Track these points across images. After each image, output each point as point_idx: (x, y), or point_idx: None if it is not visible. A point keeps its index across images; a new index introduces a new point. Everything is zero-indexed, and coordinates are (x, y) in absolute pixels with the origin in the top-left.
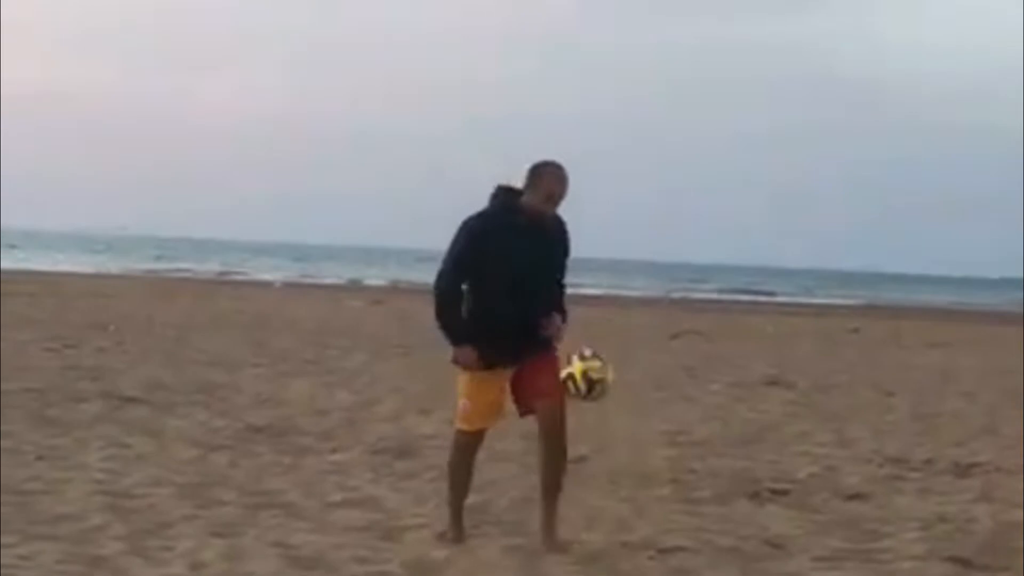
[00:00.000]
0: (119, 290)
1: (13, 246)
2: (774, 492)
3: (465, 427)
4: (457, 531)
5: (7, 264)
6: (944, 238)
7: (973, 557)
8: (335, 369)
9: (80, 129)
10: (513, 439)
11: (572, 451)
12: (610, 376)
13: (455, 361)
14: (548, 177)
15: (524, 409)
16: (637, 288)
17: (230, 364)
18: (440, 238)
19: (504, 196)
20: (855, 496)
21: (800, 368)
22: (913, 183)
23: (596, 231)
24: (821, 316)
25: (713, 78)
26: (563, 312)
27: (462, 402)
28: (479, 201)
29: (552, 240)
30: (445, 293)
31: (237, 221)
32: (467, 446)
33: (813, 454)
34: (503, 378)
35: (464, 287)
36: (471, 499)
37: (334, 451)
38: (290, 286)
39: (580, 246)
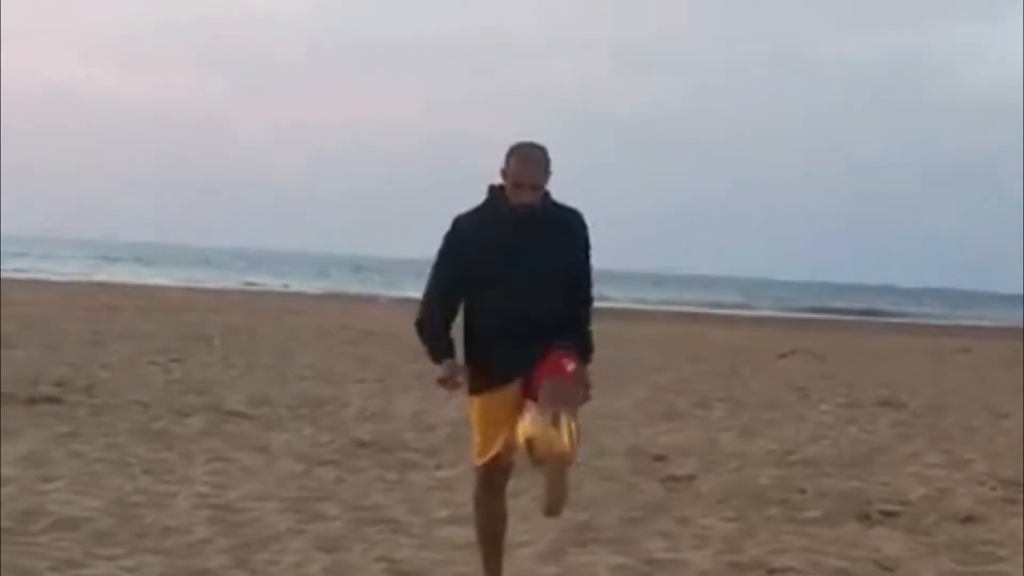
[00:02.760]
0: (219, 304)
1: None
2: (885, 514)
3: (477, 460)
4: None
5: (107, 278)
6: None
7: None
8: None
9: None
10: (617, 456)
11: (680, 469)
12: (540, 431)
13: (438, 382)
14: (512, 162)
15: None
16: (742, 307)
17: (335, 379)
18: None
19: (491, 192)
20: (968, 519)
21: (911, 388)
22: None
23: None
24: (932, 336)
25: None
26: (584, 334)
27: (473, 433)
28: None
29: (553, 236)
30: (421, 305)
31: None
32: (482, 481)
33: (924, 476)
34: (510, 395)
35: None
36: (575, 516)
37: (439, 467)
38: (395, 302)
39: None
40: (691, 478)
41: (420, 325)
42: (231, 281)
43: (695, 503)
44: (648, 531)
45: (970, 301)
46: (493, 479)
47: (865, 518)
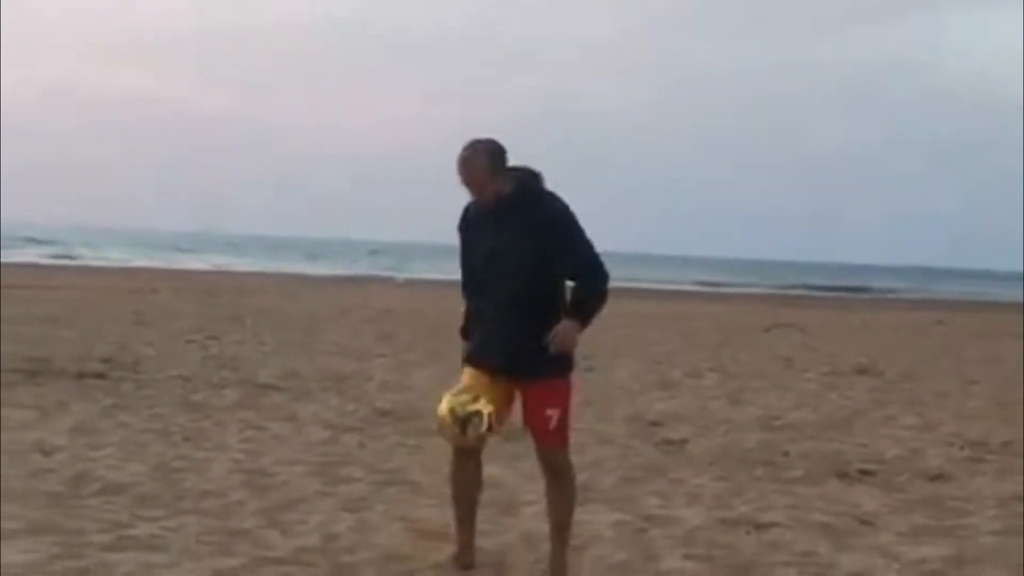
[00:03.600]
0: (250, 287)
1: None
2: (862, 472)
3: None
4: (459, 549)
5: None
6: None
7: None
8: (453, 359)
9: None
10: (616, 423)
11: (674, 433)
12: (483, 405)
13: None
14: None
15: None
16: (734, 284)
17: (358, 354)
18: None
19: None
20: (938, 477)
21: (887, 358)
22: None
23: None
24: (907, 310)
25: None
26: (578, 302)
27: None
28: None
29: (517, 225)
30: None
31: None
32: (455, 451)
33: (898, 437)
34: (501, 386)
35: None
36: (577, 476)
37: None
38: (412, 282)
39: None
40: (684, 442)
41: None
42: (259, 265)
43: (688, 465)
44: (645, 490)
45: (946, 277)
46: (466, 450)
47: (844, 476)
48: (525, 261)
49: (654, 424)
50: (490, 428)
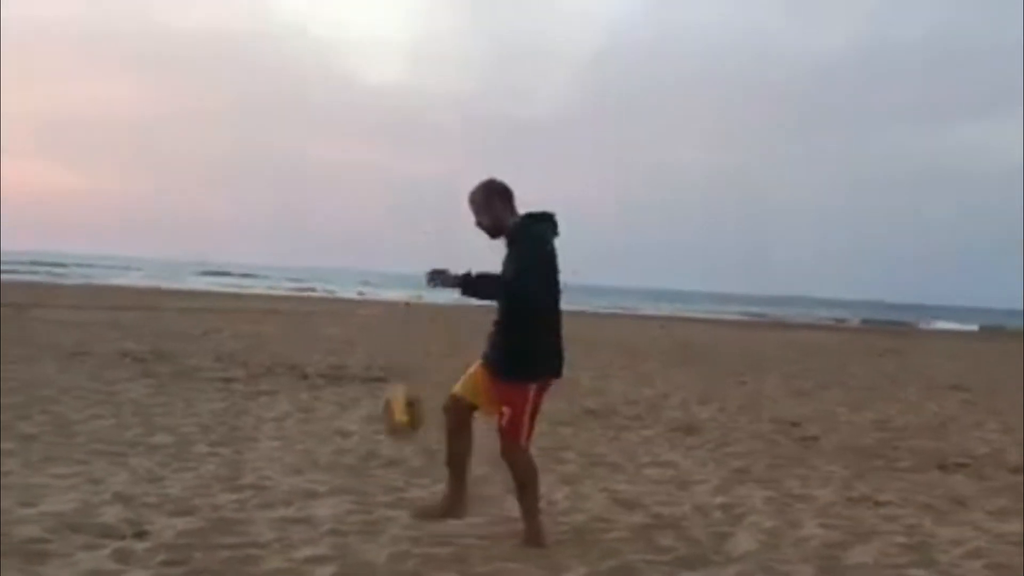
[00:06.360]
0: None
1: None
2: (958, 465)
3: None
4: (451, 504)
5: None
6: None
7: None
8: (641, 373)
9: None
10: (764, 423)
11: (809, 432)
12: (390, 394)
13: None
14: None
15: None
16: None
17: (571, 366)
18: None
19: None
20: (1017, 469)
21: (974, 376)
22: None
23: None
24: (984, 340)
25: None
26: (476, 275)
27: None
28: None
29: (509, 254)
30: None
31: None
32: (448, 416)
33: (985, 439)
34: (476, 367)
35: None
36: (736, 463)
37: (643, 428)
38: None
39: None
40: (816, 438)
41: None
42: None
43: (820, 456)
44: (788, 474)
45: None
46: (452, 415)
47: (943, 467)
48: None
49: (793, 424)
50: (389, 410)
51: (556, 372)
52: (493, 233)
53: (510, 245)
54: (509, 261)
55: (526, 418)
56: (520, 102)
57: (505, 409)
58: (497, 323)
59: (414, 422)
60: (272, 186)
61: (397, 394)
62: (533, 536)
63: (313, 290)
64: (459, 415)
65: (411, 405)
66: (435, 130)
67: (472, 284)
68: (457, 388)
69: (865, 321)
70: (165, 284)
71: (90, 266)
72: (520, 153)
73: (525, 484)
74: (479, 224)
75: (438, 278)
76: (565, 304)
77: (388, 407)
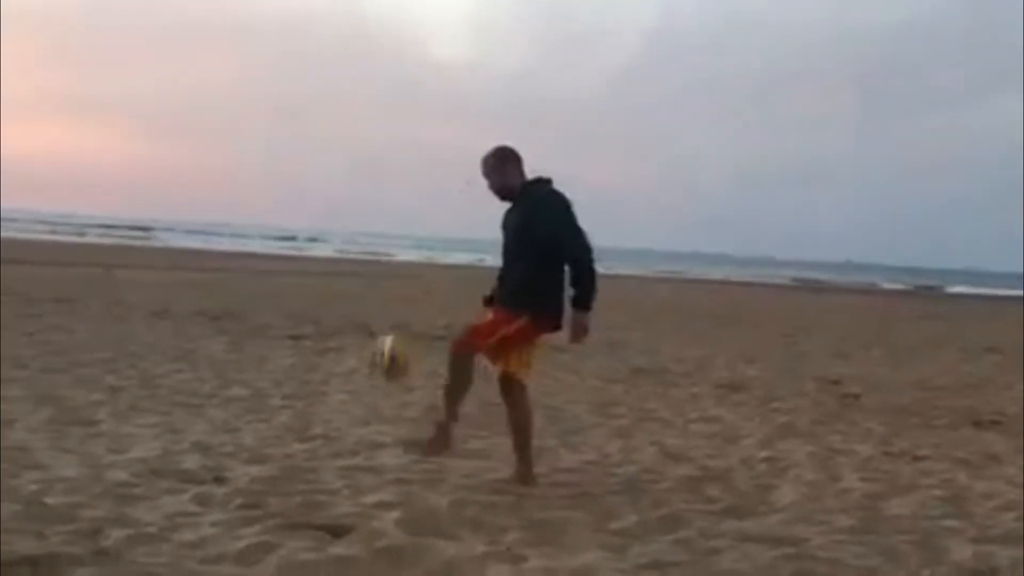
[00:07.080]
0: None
1: None
2: (991, 422)
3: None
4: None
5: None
6: None
7: None
8: (692, 333)
9: None
10: (807, 381)
11: (851, 390)
12: (372, 347)
13: None
14: None
15: None
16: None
17: (623, 328)
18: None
19: None
20: None
21: (1007, 339)
22: None
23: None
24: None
25: None
26: (577, 287)
27: None
28: None
29: (522, 217)
30: None
31: None
32: (458, 351)
33: (1017, 398)
34: (487, 312)
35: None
36: (780, 418)
37: (692, 386)
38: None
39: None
40: (857, 396)
41: None
42: None
43: (861, 413)
44: (829, 430)
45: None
46: (462, 351)
47: (977, 424)
48: (532, 249)
49: (835, 383)
50: (392, 359)
51: (558, 324)
52: (503, 195)
53: (519, 205)
54: (520, 218)
55: (505, 333)
56: (570, 81)
57: (505, 327)
58: (512, 282)
59: (392, 372)
60: (338, 158)
61: (384, 345)
62: (521, 475)
63: (380, 254)
64: (463, 351)
65: (393, 359)
66: (492, 104)
67: (588, 303)
68: (499, 365)
69: (916, 287)
70: (240, 247)
71: (172, 230)
72: (569, 132)
73: (522, 426)
74: (490, 186)
75: (583, 333)
76: (618, 268)
77: (372, 357)
